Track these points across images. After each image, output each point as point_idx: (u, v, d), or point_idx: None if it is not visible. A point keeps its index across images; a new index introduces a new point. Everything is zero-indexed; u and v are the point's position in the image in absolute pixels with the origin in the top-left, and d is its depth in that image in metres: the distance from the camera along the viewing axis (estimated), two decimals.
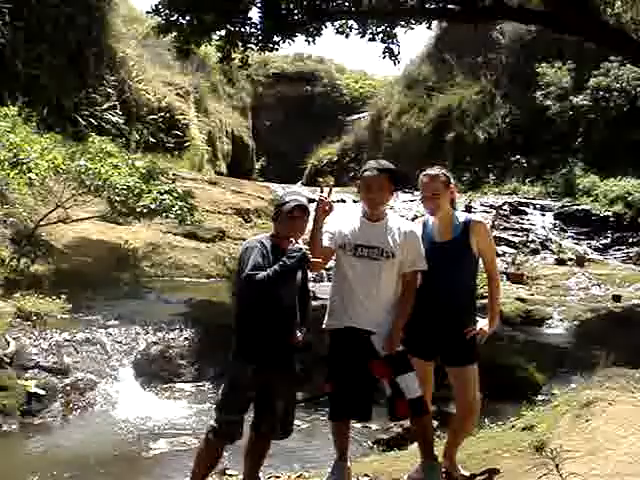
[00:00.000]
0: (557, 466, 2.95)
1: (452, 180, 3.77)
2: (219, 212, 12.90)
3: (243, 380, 3.40)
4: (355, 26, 10.68)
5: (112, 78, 15.26)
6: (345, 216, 3.77)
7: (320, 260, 3.53)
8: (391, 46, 10.79)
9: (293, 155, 27.29)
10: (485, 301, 3.79)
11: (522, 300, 9.33)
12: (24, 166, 7.96)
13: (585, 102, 16.52)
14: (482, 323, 3.70)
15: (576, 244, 13.44)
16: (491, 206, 14.88)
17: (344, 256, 3.65)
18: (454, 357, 3.63)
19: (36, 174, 8.03)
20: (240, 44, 10.35)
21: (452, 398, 3.83)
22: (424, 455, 3.52)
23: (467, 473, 3.53)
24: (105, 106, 14.47)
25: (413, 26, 10.73)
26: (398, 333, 3.53)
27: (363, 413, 3.72)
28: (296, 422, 5.91)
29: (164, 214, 9.04)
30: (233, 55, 10.71)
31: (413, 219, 14.05)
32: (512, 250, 12.53)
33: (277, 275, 3.33)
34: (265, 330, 3.47)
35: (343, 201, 13.95)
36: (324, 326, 3.69)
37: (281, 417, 3.52)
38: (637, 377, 4.30)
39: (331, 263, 3.82)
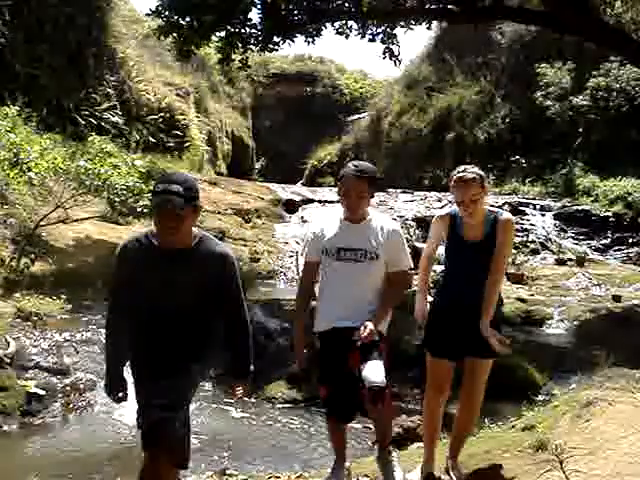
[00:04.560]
0: (561, 463, 2.94)
1: (485, 178, 3.62)
2: (219, 212, 12.90)
3: None
4: (355, 27, 10.69)
5: (112, 78, 15.26)
6: (327, 219, 3.78)
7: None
8: (391, 46, 10.80)
9: (293, 155, 27.29)
10: None
11: (522, 300, 9.32)
12: (24, 166, 7.97)
13: (585, 102, 16.51)
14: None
15: (576, 244, 13.43)
16: (491, 206, 14.84)
17: (328, 260, 3.62)
18: (481, 347, 3.50)
19: (36, 174, 8.03)
20: (240, 45, 10.35)
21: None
22: (378, 447, 3.67)
23: (467, 473, 3.53)
24: (105, 106, 14.46)
25: (413, 26, 10.73)
26: (376, 324, 3.45)
27: (359, 411, 3.67)
28: (296, 422, 5.94)
29: None
30: (233, 56, 10.71)
31: (417, 220, 13.68)
32: (512, 250, 12.52)
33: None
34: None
35: None
36: (314, 330, 3.64)
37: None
38: (637, 377, 4.31)
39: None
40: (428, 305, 3.77)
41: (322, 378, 3.62)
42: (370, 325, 3.39)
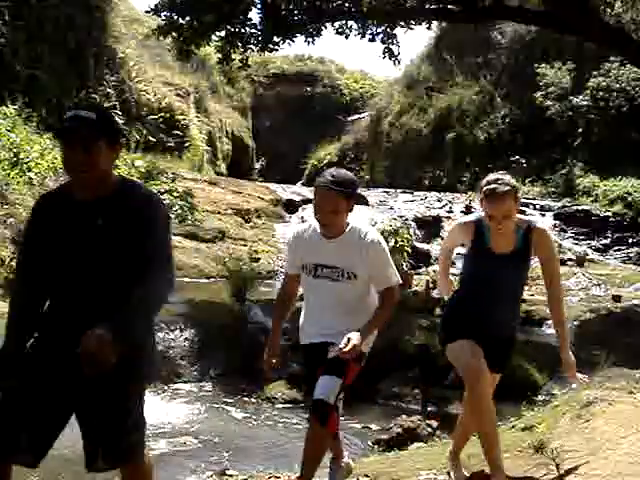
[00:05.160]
0: (557, 466, 2.94)
1: (518, 190, 3.33)
2: (219, 212, 12.90)
3: None
4: (355, 26, 10.69)
5: (112, 78, 15.27)
6: (303, 229, 3.43)
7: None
8: (391, 46, 10.81)
9: (293, 155, 27.28)
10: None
11: (522, 300, 9.32)
12: (24, 166, 7.98)
13: (585, 102, 16.52)
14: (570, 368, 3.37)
15: (576, 244, 13.43)
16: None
17: (306, 277, 3.36)
18: (498, 363, 3.42)
19: (35, 173, 8.04)
20: (240, 45, 10.35)
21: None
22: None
23: (467, 473, 3.53)
24: (105, 106, 14.47)
25: (413, 26, 10.73)
26: (359, 343, 3.13)
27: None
28: (296, 422, 5.95)
29: None
30: (233, 56, 10.72)
31: (417, 220, 13.55)
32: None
33: None
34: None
35: None
36: (301, 342, 3.47)
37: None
38: (637, 377, 4.32)
39: None
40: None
41: (310, 389, 3.36)
42: (355, 340, 3.10)
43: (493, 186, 3.18)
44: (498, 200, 3.17)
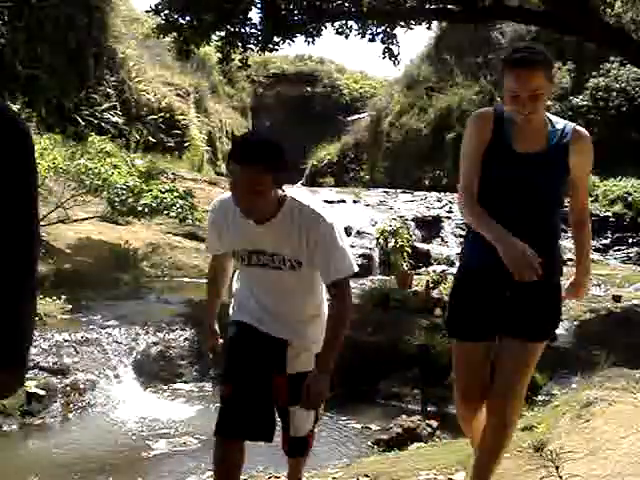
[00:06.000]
0: (557, 468, 2.94)
1: (553, 64, 2.59)
2: None
3: None
4: (355, 27, 10.68)
5: (112, 78, 15.27)
6: (227, 210, 2.61)
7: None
8: (391, 46, 10.80)
9: (293, 155, 27.18)
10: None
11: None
12: None
13: (585, 102, 16.51)
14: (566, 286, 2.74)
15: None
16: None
17: (239, 264, 2.72)
18: (525, 322, 2.58)
19: (45, 176, 8.05)
20: (240, 45, 10.35)
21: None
22: None
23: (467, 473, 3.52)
24: (105, 106, 14.47)
25: (413, 27, 10.72)
26: (323, 381, 2.52)
27: (263, 432, 2.58)
28: None
29: (165, 212, 9.06)
30: (233, 56, 10.71)
31: (417, 220, 13.52)
32: None
33: None
34: None
35: (343, 201, 13.93)
36: (230, 319, 2.79)
37: None
38: (637, 377, 4.31)
39: None
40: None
41: (228, 375, 2.67)
42: (319, 390, 2.52)
43: (520, 54, 2.45)
44: (525, 72, 2.40)
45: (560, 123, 2.61)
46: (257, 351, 2.64)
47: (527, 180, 2.53)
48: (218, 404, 2.69)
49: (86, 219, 9.78)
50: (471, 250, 2.72)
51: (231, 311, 2.85)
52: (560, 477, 2.94)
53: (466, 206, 2.60)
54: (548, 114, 2.62)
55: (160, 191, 8.91)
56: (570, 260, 11.11)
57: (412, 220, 12.84)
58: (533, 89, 2.42)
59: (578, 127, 2.62)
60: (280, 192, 2.52)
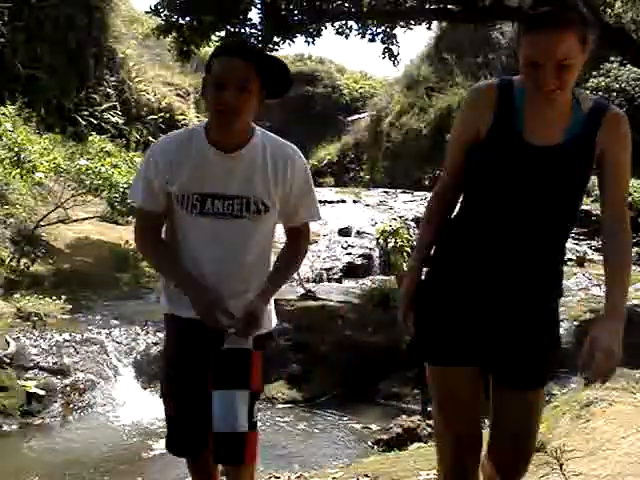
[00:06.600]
0: (561, 466, 2.94)
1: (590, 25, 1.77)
2: None
3: None
4: (355, 27, 10.70)
5: (112, 78, 15.28)
6: (181, 145, 2.20)
7: None
8: (391, 47, 10.81)
9: None
10: None
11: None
12: (28, 164, 7.99)
13: None
14: (599, 330, 1.87)
15: (576, 244, 13.43)
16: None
17: (183, 214, 2.20)
18: (524, 369, 1.98)
19: (43, 175, 8.05)
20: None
21: None
22: None
23: None
24: (105, 106, 14.49)
25: (413, 27, 10.74)
26: (262, 308, 2.20)
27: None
28: (296, 422, 5.94)
29: None
30: None
31: (417, 220, 13.51)
32: None
33: None
34: None
35: (343, 201, 13.94)
36: (165, 311, 2.44)
37: None
38: (637, 377, 4.31)
39: None
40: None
41: (169, 389, 2.41)
42: (255, 309, 2.16)
43: (545, 9, 1.72)
44: (550, 33, 1.70)
45: (588, 100, 1.91)
46: (198, 360, 2.24)
47: (539, 184, 1.84)
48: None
49: (86, 219, 9.78)
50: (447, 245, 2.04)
51: (164, 299, 2.40)
52: (564, 474, 2.94)
53: (424, 215, 2.09)
54: (578, 91, 1.92)
55: None
56: (570, 260, 11.08)
57: (412, 220, 12.84)
58: (561, 57, 1.72)
59: (612, 108, 1.91)
60: (250, 123, 2.22)
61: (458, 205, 2.06)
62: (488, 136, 1.89)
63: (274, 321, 2.41)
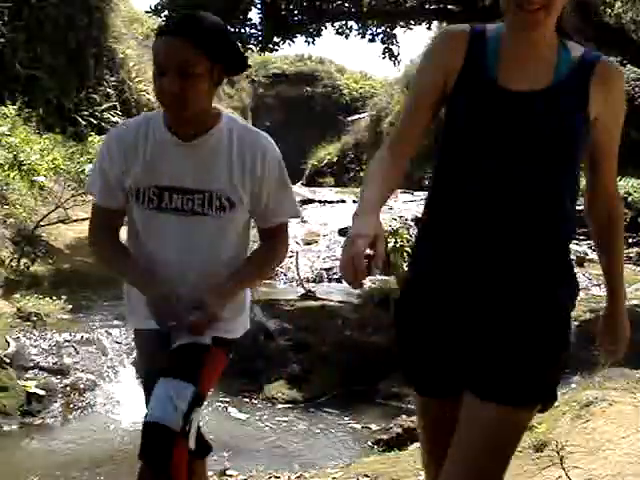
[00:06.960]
0: (562, 459, 2.94)
1: None
2: None
3: None
4: (355, 27, 10.71)
5: (112, 78, 15.27)
6: (137, 134, 1.97)
7: None
8: (391, 47, 10.82)
9: (293, 155, 27.20)
10: None
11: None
12: (27, 166, 8.00)
13: None
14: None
15: (576, 244, 13.42)
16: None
17: (140, 210, 2.00)
18: (507, 374, 1.55)
19: (45, 178, 8.05)
20: (240, 45, 10.36)
21: None
22: None
23: None
24: (105, 106, 14.47)
25: (413, 27, 10.76)
26: (222, 302, 1.95)
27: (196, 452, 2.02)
28: (296, 422, 5.95)
29: None
30: None
31: (417, 220, 13.53)
32: None
33: None
34: None
35: (343, 201, 13.94)
36: (130, 327, 2.14)
37: None
38: (637, 377, 4.31)
39: None
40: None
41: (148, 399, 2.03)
42: (203, 303, 1.91)
43: None
44: None
45: (578, 49, 1.60)
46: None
47: (522, 136, 1.54)
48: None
49: (86, 219, 9.74)
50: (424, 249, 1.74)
51: (127, 314, 2.28)
52: (564, 468, 2.94)
53: (371, 164, 1.83)
54: (565, 40, 1.60)
55: None
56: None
57: (412, 220, 12.84)
58: None
59: (605, 58, 1.64)
60: (215, 107, 1.98)
61: (427, 194, 1.85)
62: (457, 84, 1.60)
63: (243, 329, 2.17)
